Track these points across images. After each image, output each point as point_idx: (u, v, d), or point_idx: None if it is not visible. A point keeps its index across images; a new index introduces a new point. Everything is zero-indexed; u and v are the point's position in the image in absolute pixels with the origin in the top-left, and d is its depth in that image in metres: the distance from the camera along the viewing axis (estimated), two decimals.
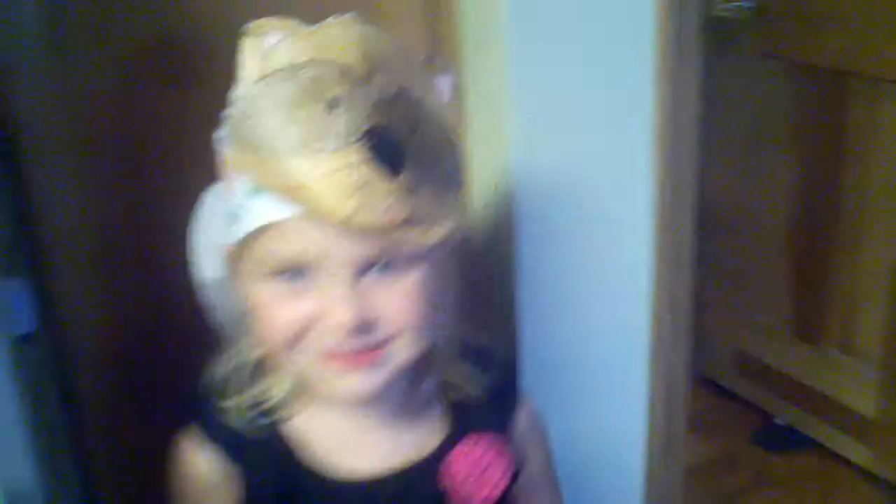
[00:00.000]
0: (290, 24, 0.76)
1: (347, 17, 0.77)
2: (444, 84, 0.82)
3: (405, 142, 0.75)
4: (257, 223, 0.75)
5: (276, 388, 0.87)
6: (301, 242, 0.75)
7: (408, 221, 0.74)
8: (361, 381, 0.80)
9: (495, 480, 0.91)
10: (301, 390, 0.87)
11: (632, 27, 1.24)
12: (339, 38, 0.75)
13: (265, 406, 0.87)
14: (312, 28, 0.76)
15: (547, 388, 1.21)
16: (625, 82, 1.27)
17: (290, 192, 0.72)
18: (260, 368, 0.88)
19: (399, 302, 0.78)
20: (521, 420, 0.96)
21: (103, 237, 1.12)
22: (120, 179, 1.11)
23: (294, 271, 0.76)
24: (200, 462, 0.88)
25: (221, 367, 0.88)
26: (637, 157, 1.32)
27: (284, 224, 0.74)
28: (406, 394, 0.89)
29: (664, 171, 1.33)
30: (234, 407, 0.86)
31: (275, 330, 0.78)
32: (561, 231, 1.29)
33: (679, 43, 1.27)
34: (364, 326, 0.76)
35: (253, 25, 0.76)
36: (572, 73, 1.23)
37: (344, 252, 0.75)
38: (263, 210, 0.74)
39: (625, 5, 1.23)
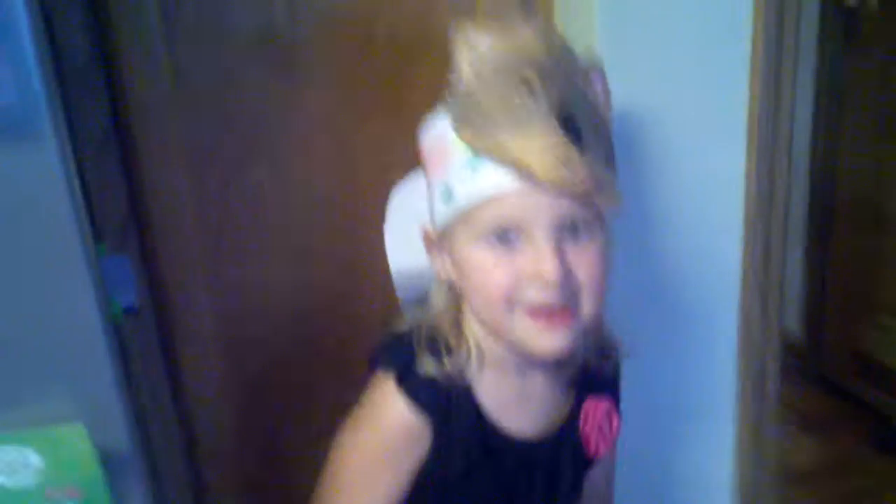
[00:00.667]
0: (490, 24, 0.89)
1: (531, 19, 0.94)
2: (597, 81, 0.95)
3: (582, 120, 0.87)
4: (479, 194, 0.88)
5: (462, 352, 0.96)
6: (513, 208, 0.87)
7: (596, 188, 0.87)
8: (559, 339, 0.91)
9: (614, 433, 1.05)
10: (480, 357, 0.97)
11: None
12: (529, 36, 0.88)
13: (454, 368, 0.95)
14: (508, 30, 0.89)
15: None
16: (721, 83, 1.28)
17: (509, 159, 0.86)
18: (447, 335, 0.96)
19: (588, 263, 0.91)
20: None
21: (208, 225, 1.17)
22: (227, 171, 1.16)
23: (504, 235, 0.89)
24: (401, 419, 0.94)
25: (414, 329, 0.97)
26: (731, 161, 1.33)
27: (503, 192, 0.87)
28: (564, 365, 1.00)
29: (755, 175, 1.31)
30: (434, 364, 0.94)
31: (490, 290, 0.90)
32: (651, 220, 1.30)
33: (779, 35, 1.24)
34: (565, 281, 0.89)
35: (457, 27, 0.89)
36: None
37: (547, 213, 0.87)
38: (485, 182, 0.88)
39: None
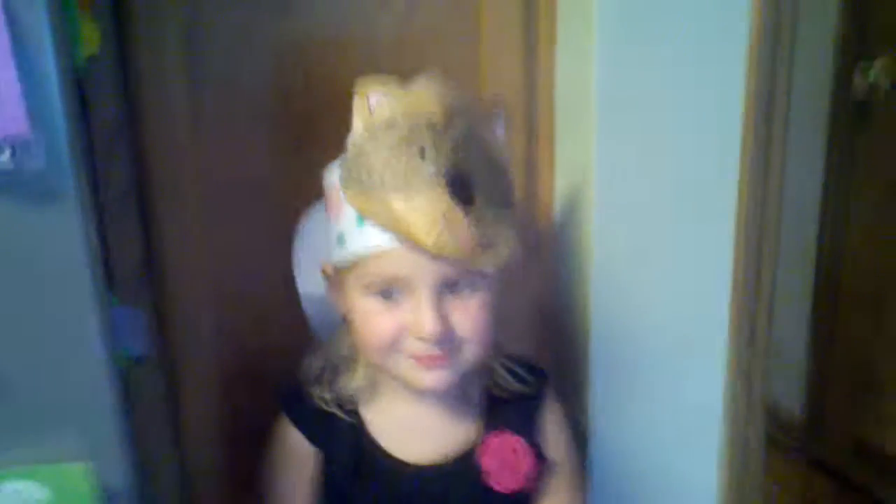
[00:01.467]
0: (388, 82, 0.94)
1: (430, 77, 0.94)
2: (498, 122, 1.00)
3: (474, 175, 0.92)
4: (364, 250, 0.93)
5: (354, 382, 1.06)
6: (396, 266, 0.93)
7: (479, 246, 0.92)
8: (438, 377, 0.98)
9: (521, 470, 1.05)
10: (373, 386, 1.06)
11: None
12: (425, 96, 0.92)
13: (345, 396, 1.05)
14: (403, 89, 0.93)
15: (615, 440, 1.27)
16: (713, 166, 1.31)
17: (390, 223, 0.90)
18: (343, 365, 1.06)
19: (468, 316, 0.96)
20: (547, 417, 1.11)
21: (219, 273, 1.24)
22: (237, 222, 1.23)
23: (389, 289, 0.95)
24: (288, 441, 1.07)
25: (313, 362, 1.07)
26: (718, 246, 1.35)
27: (384, 250, 0.92)
28: (460, 392, 1.05)
29: (744, 253, 1.34)
30: (320, 395, 1.05)
31: (373, 337, 0.97)
32: (637, 269, 1.32)
33: (768, 125, 1.29)
34: (444, 335, 0.94)
35: (359, 84, 0.93)
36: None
37: (429, 273, 0.93)
38: (369, 239, 0.93)
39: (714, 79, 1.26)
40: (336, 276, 1.01)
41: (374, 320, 0.96)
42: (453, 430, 1.07)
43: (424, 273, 0.93)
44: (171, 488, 1.26)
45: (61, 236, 0.76)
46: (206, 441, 1.28)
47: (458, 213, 0.90)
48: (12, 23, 0.69)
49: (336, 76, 1.20)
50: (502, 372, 1.08)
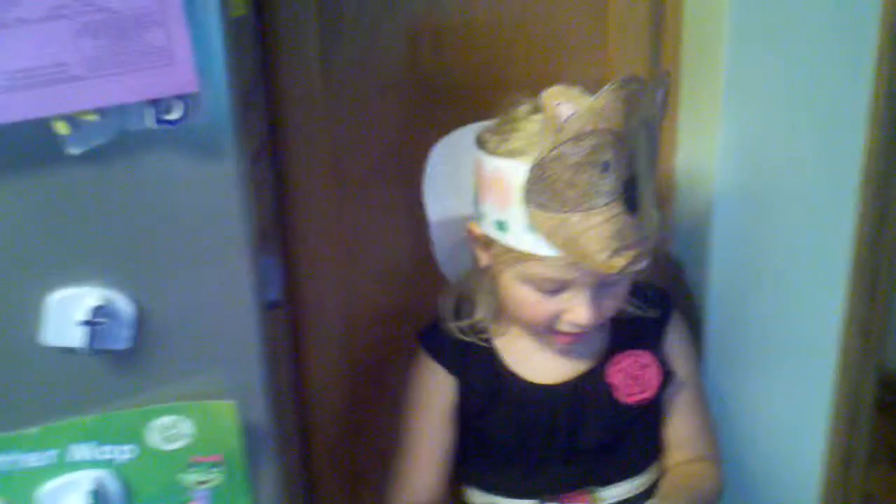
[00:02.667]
0: (574, 92, 0.93)
1: (616, 85, 0.92)
2: (659, 93, 0.99)
3: (641, 175, 0.95)
4: (531, 250, 0.97)
5: (486, 315, 1.13)
6: (561, 272, 0.98)
7: (642, 252, 0.96)
8: (569, 346, 1.09)
9: (649, 383, 1.11)
10: (505, 319, 1.12)
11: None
12: (611, 106, 0.91)
13: (478, 327, 1.13)
14: (591, 99, 0.91)
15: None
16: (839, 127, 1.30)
17: (566, 244, 0.94)
18: (476, 300, 1.13)
19: (615, 304, 1.05)
20: (672, 336, 1.17)
21: (342, 234, 1.28)
22: (367, 183, 1.27)
23: (549, 286, 1.00)
24: (427, 375, 1.15)
25: (447, 298, 1.14)
26: (843, 190, 1.34)
27: (554, 257, 0.97)
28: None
29: (868, 205, 1.33)
30: (457, 327, 1.12)
31: (527, 317, 1.05)
32: (757, 246, 1.34)
33: None
34: (597, 323, 1.03)
35: (547, 95, 0.92)
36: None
37: (592, 279, 0.99)
38: (539, 246, 0.97)
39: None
40: (486, 243, 1.05)
41: (531, 306, 1.03)
42: (581, 351, 1.13)
43: (587, 278, 0.99)
44: (289, 428, 1.32)
45: (221, 187, 0.81)
46: (326, 386, 1.34)
47: (629, 226, 0.94)
48: None
49: (463, 47, 1.22)
50: (629, 297, 1.12)
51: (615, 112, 0.91)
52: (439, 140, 1.11)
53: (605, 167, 0.91)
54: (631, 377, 1.11)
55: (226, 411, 0.88)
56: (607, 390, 1.11)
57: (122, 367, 0.84)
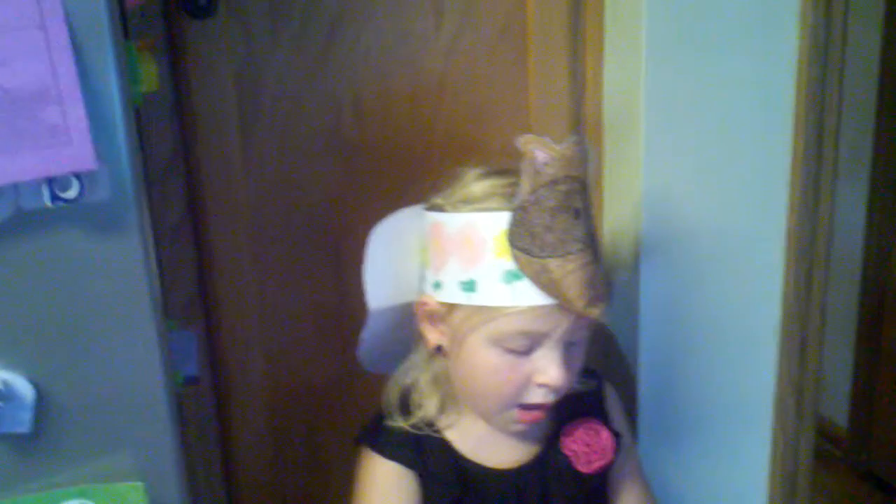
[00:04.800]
0: (546, 140, 0.95)
1: (578, 136, 0.98)
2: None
3: (595, 227, 0.98)
4: (508, 303, 0.96)
5: (434, 408, 1.08)
6: (539, 323, 0.97)
7: (605, 299, 0.97)
8: (529, 426, 1.05)
9: (605, 449, 1.10)
10: (455, 410, 1.09)
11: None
12: (576, 156, 0.95)
13: (428, 420, 1.08)
14: (560, 147, 0.94)
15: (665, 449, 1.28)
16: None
17: (549, 288, 0.94)
18: (422, 393, 1.09)
19: (576, 366, 1.03)
20: (609, 404, 1.17)
21: (271, 299, 1.27)
22: (285, 251, 1.26)
23: (522, 343, 0.98)
24: (383, 474, 1.08)
25: (391, 393, 1.10)
26: (770, 257, 1.36)
27: (533, 308, 0.96)
28: None
29: (793, 274, 1.35)
30: (406, 422, 1.08)
31: (500, 389, 1.01)
32: (686, 310, 1.35)
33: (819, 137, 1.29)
34: (566, 385, 1.00)
35: (522, 141, 0.94)
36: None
37: (565, 330, 0.98)
38: (518, 296, 0.96)
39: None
40: (441, 317, 1.03)
41: (501, 372, 1.00)
42: (532, 433, 1.10)
43: (562, 329, 0.98)
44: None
45: (124, 264, 0.79)
46: (254, 461, 1.31)
47: (598, 272, 0.97)
48: (81, 63, 0.73)
49: (385, 113, 1.23)
50: None
51: (579, 161, 0.95)
52: (376, 226, 1.09)
53: (577, 213, 0.94)
54: (587, 444, 1.10)
55: (134, 493, 0.86)
56: (567, 463, 1.09)
57: (24, 450, 0.82)
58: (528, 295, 0.96)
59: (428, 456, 1.08)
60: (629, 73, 1.25)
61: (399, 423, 1.08)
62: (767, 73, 1.28)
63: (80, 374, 0.82)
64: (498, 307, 0.97)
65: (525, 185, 0.94)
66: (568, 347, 1.01)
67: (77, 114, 0.72)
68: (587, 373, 1.14)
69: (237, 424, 1.28)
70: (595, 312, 0.96)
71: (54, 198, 0.73)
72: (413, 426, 1.08)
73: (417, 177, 1.22)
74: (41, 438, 0.82)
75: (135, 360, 0.83)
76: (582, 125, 1.31)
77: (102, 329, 0.81)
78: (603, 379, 1.18)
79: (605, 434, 1.11)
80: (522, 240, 0.95)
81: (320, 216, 1.25)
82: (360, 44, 1.22)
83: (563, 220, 0.94)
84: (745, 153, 1.32)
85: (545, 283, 0.95)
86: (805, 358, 1.43)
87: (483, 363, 1.01)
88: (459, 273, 0.99)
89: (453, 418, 1.10)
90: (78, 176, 0.73)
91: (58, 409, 0.81)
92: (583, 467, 1.09)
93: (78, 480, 0.84)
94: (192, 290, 1.19)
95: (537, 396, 1.01)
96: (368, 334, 1.10)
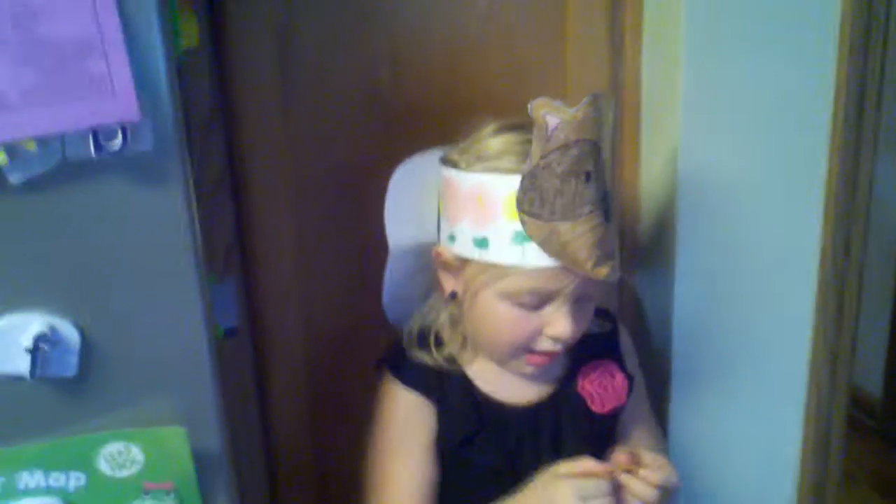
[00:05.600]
0: (558, 104, 0.96)
1: (593, 98, 0.97)
2: (611, 116, 1.04)
3: (609, 188, 0.99)
4: (517, 263, 0.98)
5: (454, 346, 1.12)
6: (547, 282, 0.99)
7: (616, 264, 0.99)
8: (538, 368, 1.08)
9: (619, 391, 1.14)
10: (472, 349, 1.12)
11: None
12: (589, 119, 0.96)
13: (447, 357, 1.11)
14: (572, 111, 0.95)
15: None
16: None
17: (557, 251, 0.96)
18: (442, 332, 1.12)
19: (587, 318, 1.06)
20: (622, 345, 1.20)
21: (307, 254, 1.29)
22: (323, 207, 1.28)
23: (532, 299, 1.01)
24: (403, 403, 1.12)
25: (413, 329, 1.13)
26: (806, 225, 1.34)
27: (543, 269, 0.98)
28: None
29: (830, 241, 1.33)
30: (427, 356, 1.11)
31: (508, 338, 1.05)
32: (720, 272, 1.33)
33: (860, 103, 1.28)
34: (574, 338, 1.03)
35: (534, 106, 0.95)
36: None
37: (574, 289, 1.00)
38: (527, 257, 0.98)
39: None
40: (456, 267, 1.06)
41: (512, 324, 1.03)
42: (548, 372, 1.14)
43: (570, 288, 1.00)
44: (256, 454, 1.32)
45: (166, 215, 0.81)
46: (290, 412, 1.33)
47: (609, 234, 0.99)
48: (125, 17, 0.74)
49: (422, 72, 1.23)
50: None
51: (592, 124, 0.96)
52: (399, 165, 1.11)
53: (588, 177, 0.95)
54: (602, 387, 1.13)
55: (176, 438, 0.88)
56: (582, 404, 1.13)
57: (69, 394, 0.84)
58: (538, 256, 0.98)
59: (447, 390, 1.11)
60: (668, 33, 1.24)
61: (420, 355, 1.11)
62: (809, 39, 1.26)
63: (124, 322, 0.84)
64: (508, 266, 1.00)
65: (535, 151, 0.95)
66: (578, 301, 1.03)
67: (121, 66, 0.73)
68: (603, 314, 1.17)
69: (274, 376, 1.30)
70: (603, 273, 0.98)
71: (99, 148, 0.75)
72: (434, 360, 1.11)
73: (453, 136, 1.22)
74: (87, 383, 0.84)
75: (177, 308, 0.85)
76: (619, 86, 1.30)
77: (145, 278, 0.83)
78: (617, 320, 1.21)
79: (619, 377, 1.15)
80: (532, 205, 0.96)
81: (358, 172, 1.26)
82: (398, 2, 1.23)
83: (574, 184, 0.95)
84: (785, 119, 1.30)
85: (554, 246, 0.97)
86: (841, 324, 1.42)
87: (494, 316, 1.04)
88: (473, 229, 1.01)
89: (472, 356, 1.13)
90: (122, 127, 0.75)
91: (102, 355, 0.84)
92: (597, 408, 1.13)
93: (122, 424, 0.86)
94: (230, 243, 1.20)
95: (547, 345, 1.05)
96: (389, 277, 1.13)
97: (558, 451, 1.13)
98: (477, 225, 1.00)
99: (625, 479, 1.03)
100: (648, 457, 1.05)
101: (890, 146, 1.96)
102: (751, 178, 1.30)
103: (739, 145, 1.27)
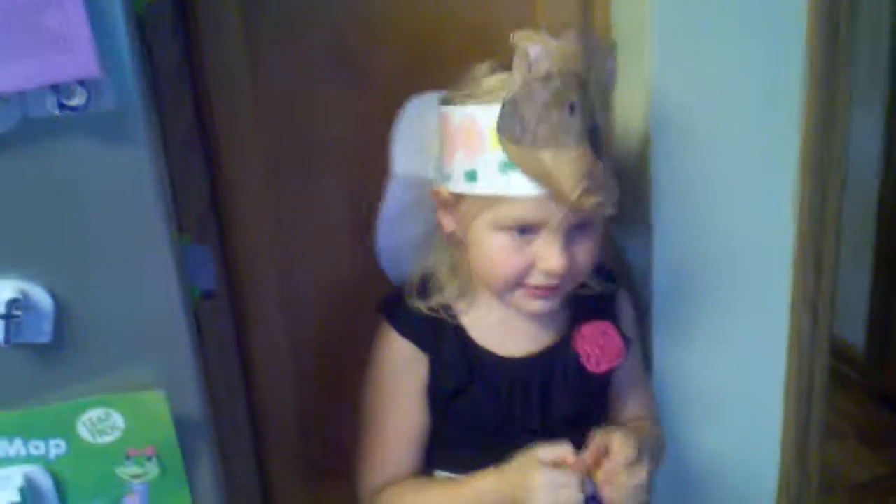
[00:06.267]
0: (542, 35, 0.97)
1: (577, 34, 0.98)
2: (609, 60, 1.03)
3: (600, 125, 0.98)
4: (504, 192, 0.99)
5: (452, 292, 1.13)
6: (534, 212, 1.00)
7: (605, 196, 0.99)
8: (542, 305, 1.08)
9: (613, 351, 1.14)
10: (471, 295, 1.13)
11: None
12: (575, 50, 0.97)
13: (445, 304, 1.13)
14: (557, 42, 0.96)
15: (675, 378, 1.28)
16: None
17: (540, 176, 0.96)
18: (442, 278, 1.13)
19: (584, 256, 1.05)
20: (621, 307, 1.21)
21: (280, 219, 1.27)
22: (298, 166, 1.25)
23: (523, 229, 1.01)
24: (397, 351, 1.13)
25: (412, 275, 1.14)
26: (783, 180, 1.34)
27: (530, 197, 0.99)
28: None
29: (808, 194, 1.33)
30: (424, 304, 1.12)
31: (501, 269, 1.05)
32: (700, 223, 1.34)
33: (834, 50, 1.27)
34: (568, 271, 1.03)
35: (517, 36, 0.97)
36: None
37: (563, 218, 1.00)
38: (512, 185, 0.99)
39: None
40: (452, 204, 1.07)
41: (504, 255, 1.03)
42: (545, 324, 1.15)
43: (559, 218, 1.00)
44: (240, 417, 1.31)
45: (134, 174, 0.80)
46: (273, 375, 1.32)
47: (598, 167, 0.98)
48: None
49: (394, 24, 1.21)
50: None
51: (578, 58, 0.96)
52: (413, 97, 1.12)
53: (572, 108, 0.95)
54: (597, 346, 1.13)
55: (156, 402, 0.87)
56: (576, 360, 1.13)
57: (46, 361, 0.84)
58: (523, 185, 0.98)
59: (441, 340, 1.12)
60: None
61: (418, 304, 1.12)
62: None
63: (97, 285, 0.83)
64: (495, 195, 1.00)
65: (517, 78, 0.96)
66: (572, 234, 1.03)
67: (78, 20, 0.71)
68: (606, 276, 1.18)
69: (255, 339, 1.29)
70: (589, 203, 0.97)
71: (61, 106, 0.73)
72: (431, 309, 1.12)
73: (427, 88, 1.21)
74: (62, 349, 0.83)
75: (149, 271, 0.84)
76: (590, 17, 1.29)
77: (115, 240, 0.82)
78: (617, 280, 1.21)
79: (616, 339, 1.15)
80: (513, 131, 0.96)
81: (331, 131, 1.24)
82: None
83: (557, 115, 0.95)
84: (759, 71, 1.30)
85: (537, 174, 0.97)
86: (820, 275, 1.43)
87: (487, 248, 1.05)
88: (464, 164, 1.02)
89: (470, 304, 1.14)
90: (83, 84, 0.73)
91: (77, 320, 0.83)
92: (592, 367, 1.13)
93: (100, 390, 0.86)
94: (204, 204, 1.19)
95: (540, 279, 1.05)
96: (385, 210, 1.14)
97: (549, 406, 1.14)
98: (467, 158, 1.01)
99: (599, 482, 1.04)
100: (617, 443, 1.04)
101: (863, 101, 1.97)
102: (726, 131, 1.30)
103: (715, 103, 1.27)
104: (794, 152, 1.34)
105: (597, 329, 1.14)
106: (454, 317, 1.13)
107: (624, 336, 1.16)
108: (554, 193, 0.98)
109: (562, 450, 1.04)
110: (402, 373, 1.14)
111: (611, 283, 1.20)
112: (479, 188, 1.02)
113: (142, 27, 0.90)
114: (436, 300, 1.13)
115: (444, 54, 1.23)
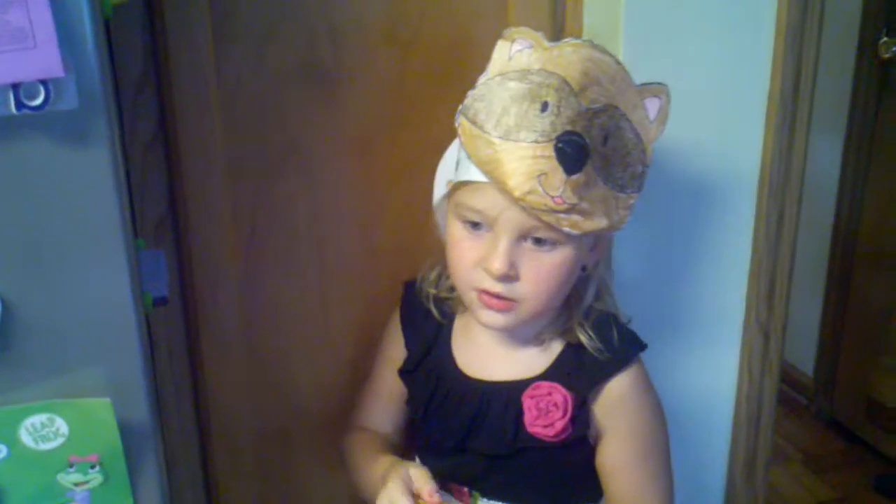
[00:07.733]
0: (536, 36, 0.97)
1: (581, 41, 0.99)
2: (652, 106, 1.01)
3: (594, 148, 0.95)
4: (464, 177, 1.00)
5: (450, 288, 1.15)
6: (484, 202, 0.99)
7: (566, 211, 0.95)
8: (495, 319, 1.05)
9: (553, 425, 1.06)
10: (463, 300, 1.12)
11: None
12: (567, 57, 0.96)
13: (447, 299, 1.17)
14: (550, 45, 0.97)
15: None
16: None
17: (486, 163, 0.96)
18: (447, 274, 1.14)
19: (537, 272, 1.01)
20: (616, 389, 1.10)
21: (239, 228, 1.25)
22: (261, 180, 1.24)
23: (476, 222, 1.01)
24: (394, 318, 1.22)
25: (431, 264, 1.18)
26: (742, 202, 1.36)
27: (478, 184, 0.98)
28: (530, 334, 1.12)
29: (764, 219, 1.35)
30: (430, 291, 1.17)
31: (455, 260, 1.06)
32: (663, 252, 1.35)
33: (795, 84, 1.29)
34: (506, 278, 1.00)
35: (509, 31, 0.98)
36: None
37: (511, 219, 0.98)
38: (469, 170, 0.99)
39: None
40: (447, 196, 1.08)
41: (459, 245, 1.04)
42: (515, 362, 1.12)
43: (507, 216, 0.98)
44: (189, 427, 1.29)
45: (92, 176, 0.78)
46: (225, 385, 1.30)
47: (557, 174, 0.93)
48: None
49: (363, 27, 1.20)
50: (584, 330, 1.10)
51: (570, 64, 0.95)
52: None
53: (545, 107, 0.93)
54: (538, 409, 1.07)
55: (102, 409, 0.86)
56: (518, 409, 1.09)
57: None
58: (476, 171, 0.99)
59: (422, 329, 1.18)
60: None
61: (429, 289, 1.18)
62: (747, 18, 1.27)
63: (47, 289, 0.81)
64: (460, 181, 1.02)
65: (494, 67, 0.98)
66: (526, 245, 1.01)
67: (43, 17, 0.70)
68: (621, 341, 1.10)
69: (208, 348, 1.27)
70: (530, 201, 0.94)
71: (20, 105, 0.71)
72: (434, 299, 1.17)
73: (391, 100, 1.23)
74: (8, 353, 0.81)
75: (102, 275, 0.82)
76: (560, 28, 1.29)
77: (69, 242, 0.80)
78: (631, 358, 1.12)
79: (560, 414, 1.07)
80: (477, 114, 0.96)
81: (297, 140, 1.23)
82: None
83: (527, 109, 0.94)
84: (722, 90, 1.31)
85: (484, 159, 0.96)
86: (773, 299, 1.45)
87: (450, 234, 1.07)
88: (457, 154, 1.04)
89: (457, 304, 1.16)
90: (45, 83, 0.71)
91: (24, 324, 0.81)
92: (528, 425, 1.08)
93: (47, 396, 0.84)
94: (163, 209, 1.17)
95: (486, 281, 1.02)
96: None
97: (471, 432, 1.11)
98: (461, 149, 1.02)
99: None
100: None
101: (823, 128, 2.00)
102: (686, 151, 1.30)
103: (676, 116, 1.27)
104: (754, 178, 1.36)
105: (548, 395, 1.07)
106: (447, 316, 1.17)
107: (579, 420, 1.08)
108: (497, 184, 0.96)
109: (423, 481, 1.02)
110: (388, 343, 1.23)
111: (621, 353, 1.10)
112: (456, 174, 1.04)
113: (108, 28, 0.88)
114: (441, 293, 1.17)
115: (414, 58, 1.23)
